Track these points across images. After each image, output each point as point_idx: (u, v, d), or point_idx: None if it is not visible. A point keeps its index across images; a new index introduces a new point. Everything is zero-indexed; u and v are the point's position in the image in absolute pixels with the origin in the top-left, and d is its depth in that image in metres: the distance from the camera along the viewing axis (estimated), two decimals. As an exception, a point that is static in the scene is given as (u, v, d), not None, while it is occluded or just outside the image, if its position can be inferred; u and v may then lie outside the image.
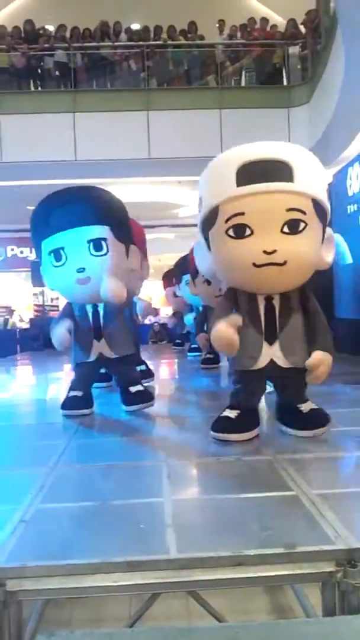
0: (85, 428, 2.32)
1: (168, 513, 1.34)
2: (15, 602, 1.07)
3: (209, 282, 3.64)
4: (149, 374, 3.38)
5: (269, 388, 2.14)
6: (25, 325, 11.96)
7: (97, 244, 2.33)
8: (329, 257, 1.93)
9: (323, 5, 8.99)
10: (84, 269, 2.32)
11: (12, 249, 16.67)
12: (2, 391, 3.85)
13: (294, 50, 10.59)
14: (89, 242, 2.33)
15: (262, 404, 2.13)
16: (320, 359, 1.83)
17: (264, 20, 11.53)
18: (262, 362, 1.89)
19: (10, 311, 16.79)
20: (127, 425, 2.33)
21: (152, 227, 12.35)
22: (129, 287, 2.62)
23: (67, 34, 11.44)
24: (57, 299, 11.67)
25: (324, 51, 8.39)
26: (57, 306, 11.48)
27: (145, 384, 2.71)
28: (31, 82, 11.46)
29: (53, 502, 1.44)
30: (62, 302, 5.11)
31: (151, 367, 3.60)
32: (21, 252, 15.66)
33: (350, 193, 4.73)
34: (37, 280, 8.91)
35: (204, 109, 10.39)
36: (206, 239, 1.92)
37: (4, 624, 1.06)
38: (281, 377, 1.98)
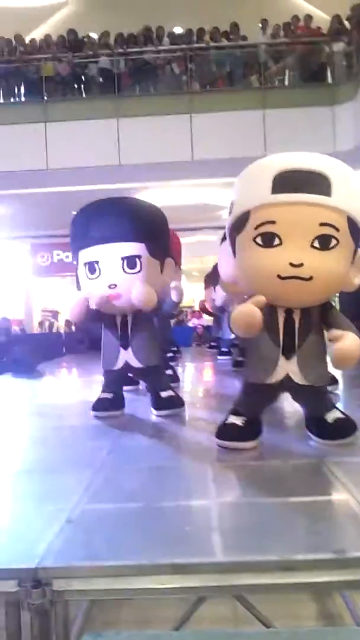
0: (129, 430, 2.33)
1: (214, 516, 1.33)
2: (62, 602, 1.08)
3: None
4: (174, 379, 3.35)
5: None
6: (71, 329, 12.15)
7: (130, 261, 2.33)
8: (357, 279, 1.83)
9: (368, -1, 8.81)
10: (115, 285, 2.32)
11: (58, 254, 17.00)
12: (48, 392, 3.91)
13: (338, 47, 10.42)
14: (122, 259, 2.32)
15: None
16: (344, 332, 1.72)
17: (308, 17, 11.41)
18: (277, 376, 1.81)
19: (56, 315, 17.09)
20: (166, 429, 2.33)
21: (194, 229, 12.37)
22: (161, 298, 2.60)
23: (111, 41, 11.59)
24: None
25: (369, 47, 8.21)
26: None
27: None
28: (75, 89, 11.65)
29: (99, 502, 1.45)
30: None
31: (187, 368, 3.57)
32: (67, 256, 15.96)
33: None
34: (82, 284, 9.03)
35: (246, 110, 10.33)
36: (232, 244, 1.86)
37: (51, 624, 1.07)
38: (297, 393, 1.91)
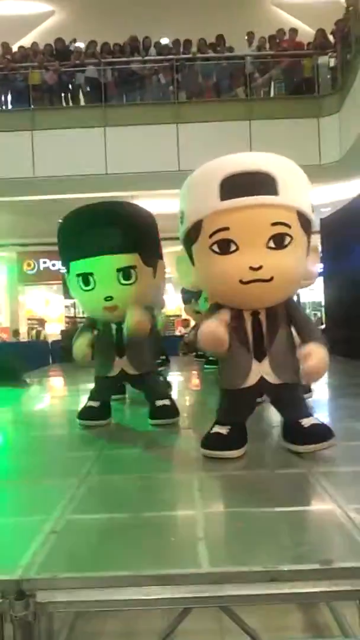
0: (115, 439, 2.32)
1: (200, 526, 1.32)
2: (45, 614, 1.06)
3: None
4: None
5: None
6: (57, 337, 12.10)
7: (126, 272, 2.30)
8: (314, 268, 1.87)
9: (352, 14, 8.95)
10: (111, 297, 2.30)
11: (44, 262, 16.93)
12: (34, 401, 3.88)
13: (323, 60, 10.57)
14: (118, 270, 2.29)
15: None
16: (310, 348, 1.76)
17: (293, 31, 11.54)
18: (251, 380, 1.83)
19: (42, 323, 16.97)
20: (154, 438, 2.32)
21: (178, 238, 12.37)
22: (156, 301, 2.58)
23: (98, 50, 11.62)
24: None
25: (354, 60, 8.34)
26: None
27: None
28: (62, 98, 11.66)
29: (84, 513, 1.43)
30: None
31: (174, 377, 3.56)
32: (53, 264, 15.91)
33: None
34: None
35: (233, 121, 10.41)
36: (189, 253, 1.87)
37: (35, 636, 1.05)
38: (273, 394, 1.92)
